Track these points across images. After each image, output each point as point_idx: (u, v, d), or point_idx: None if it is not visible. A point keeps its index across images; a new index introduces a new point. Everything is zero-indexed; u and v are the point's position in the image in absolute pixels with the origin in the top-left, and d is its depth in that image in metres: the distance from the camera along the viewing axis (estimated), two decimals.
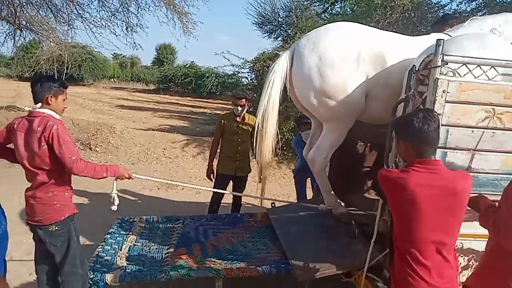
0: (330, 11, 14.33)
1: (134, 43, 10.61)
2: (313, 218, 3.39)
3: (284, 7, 19.81)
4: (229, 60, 10.87)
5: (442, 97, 2.06)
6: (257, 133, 3.06)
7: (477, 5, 8.83)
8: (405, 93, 2.32)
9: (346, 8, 13.19)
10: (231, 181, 4.29)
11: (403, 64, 2.65)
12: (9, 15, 8.98)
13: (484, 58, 2.10)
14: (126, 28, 10.25)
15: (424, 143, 1.72)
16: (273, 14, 20.08)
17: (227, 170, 4.16)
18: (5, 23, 9.38)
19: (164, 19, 10.01)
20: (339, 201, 3.20)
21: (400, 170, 1.86)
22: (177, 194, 6.11)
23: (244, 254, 3.08)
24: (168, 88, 30.04)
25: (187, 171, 7.32)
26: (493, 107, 2.10)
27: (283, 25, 19.75)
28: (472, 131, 2.12)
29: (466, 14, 8.60)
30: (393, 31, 3.21)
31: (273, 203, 3.91)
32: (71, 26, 9.78)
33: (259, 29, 20.76)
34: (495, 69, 2.12)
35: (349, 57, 2.72)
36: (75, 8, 9.59)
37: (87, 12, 9.74)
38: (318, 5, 14.99)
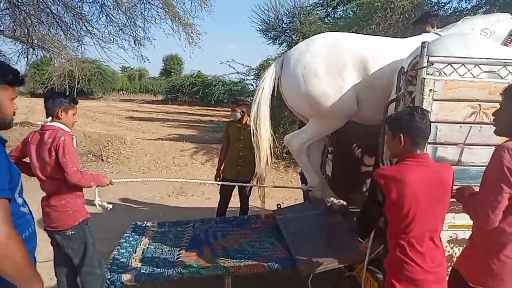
0: (333, 15, 14.49)
1: (142, 56, 10.97)
2: (316, 216, 3.52)
3: (287, 13, 20.02)
4: (234, 68, 11.10)
5: (429, 95, 2.20)
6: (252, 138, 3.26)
7: (477, 3, 8.87)
8: (396, 94, 2.45)
9: (348, 11, 13.31)
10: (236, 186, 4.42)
11: (390, 67, 2.79)
12: (22, 35, 9.35)
13: (467, 57, 2.23)
14: (134, 42, 10.59)
15: (420, 135, 1.86)
16: (277, 21, 20.30)
17: (229, 175, 4.31)
18: (19, 42, 9.77)
19: (170, 31, 10.31)
20: (323, 182, 3.40)
21: (395, 166, 1.97)
22: (187, 200, 6.29)
23: (251, 253, 3.22)
24: (176, 98, 30.47)
25: (196, 178, 7.50)
26: (479, 103, 2.22)
27: (287, 31, 19.96)
28: (460, 126, 2.25)
29: (467, 12, 8.68)
30: (394, 32, 3.34)
31: (279, 204, 4.05)
32: (80, 43, 10.15)
33: (264, 36, 20.97)
34: (479, 67, 2.24)
35: (332, 66, 2.91)
36: (84, 25, 9.97)
37: (95, 28, 10.11)
38: (321, 9, 15.18)
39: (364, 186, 3.66)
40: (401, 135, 1.88)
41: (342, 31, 9.38)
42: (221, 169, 4.46)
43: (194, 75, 28.89)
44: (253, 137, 3.25)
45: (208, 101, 23.47)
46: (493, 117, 1.84)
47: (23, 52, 10.09)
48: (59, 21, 9.84)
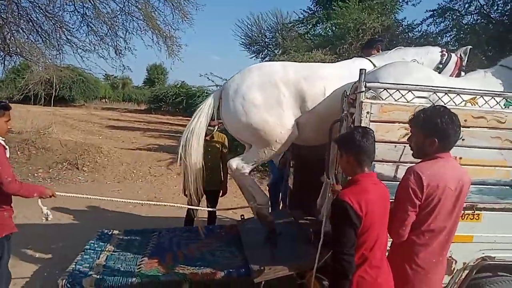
0: (313, 32, 14.96)
1: (123, 65, 11.00)
2: (276, 226, 3.68)
3: (270, 28, 20.61)
4: (213, 81, 11.29)
5: (366, 117, 2.42)
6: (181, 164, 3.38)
7: (445, 27, 9.38)
8: (340, 114, 2.68)
9: (327, 29, 13.78)
10: (205, 196, 4.57)
11: (326, 92, 3.05)
12: None
13: (400, 84, 2.49)
14: (115, 52, 10.64)
15: (363, 154, 1.99)
16: (260, 35, 20.85)
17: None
18: None
19: (150, 42, 10.41)
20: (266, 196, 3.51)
21: (353, 186, 1.97)
22: (159, 209, 6.37)
23: (211, 261, 3.36)
24: (159, 107, 30.38)
25: (171, 188, 7.59)
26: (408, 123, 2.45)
27: (270, 46, 20.48)
28: (395, 145, 2.48)
29: (435, 35, 9.18)
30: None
31: (242, 215, 4.22)
32: (60, 51, 10.14)
33: (247, 49, 21.42)
34: (412, 93, 2.49)
35: (270, 95, 3.08)
36: (64, 34, 10.00)
37: (75, 37, 10.14)
38: (301, 26, 15.67)
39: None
40: (348, 154, 2.02)
41: (319, 49, 9.79)
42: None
43: (178, 86, 28.92)
44: (183, 162, 3.34)
45: (192, 111, 23.42)
46: (408, 142, 2.09)
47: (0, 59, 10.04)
48: (39, 29, 9.86)
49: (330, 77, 3.10)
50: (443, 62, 3.43)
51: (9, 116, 2.76)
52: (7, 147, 2.69)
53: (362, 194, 1.88)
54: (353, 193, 1.89)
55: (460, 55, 3.54)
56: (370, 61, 3.38)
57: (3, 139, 2.71)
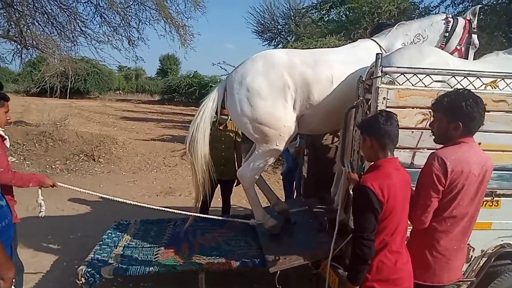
0: (327, 18, 14.70)
1: (136, 56, 11.07)
2: (290, 216, 3.68)
3: (282, 15, 20.31)
4: (226, 70, 11.23)
5: (383, 103, 2.36)
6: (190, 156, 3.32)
7: (463, 8, 9.06)
8: (356, 100, 2.62)
9: (341, 14, 13.51)
10: (219, 185, 4.59)
11: (335, 80, 2.97)
12: (16, 35, 9.48)
13: (418, 68, 2.41)
14: (128, 42, 10.71)
15: (387, 138, 1.97)
16: (272, 22, 20.59)
17: (213, 175, 4.46)
18: (13, 42, 9.89)
19: (163, 32, 10.44)
20: (268, 215, 3.39)
21: (376, 171, 1.97)
22: (174, 199, 6.45)
23: (227, 250, 3.38)
24: (172, 98, 30.59)
25: (185, 178, 7.65)
26: (429, 110, 2.38)
27: (283, 33, 20.23)
28: (412, 131, 2.41)
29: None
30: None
31: None
32: (75, 43, 10.26)
33: (259, 37, 21.20)
34: (430, 77, 2.41)
35: (275, 85, 2.98)
36: (78, 25, 10.11)
37: (89, 29, 10.24)
38: (315, 12, 15.39)
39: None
40: (371, 138, 2.00)
41: (333, 35, 9.62)
42: None
43: (190, 76, 29.02)
44: (189, 158, 3.30)
45: None
46: (430, 128, 2.02)
47: (17, 52, 10.22)
48: (54, 21, 9.98)
49: (336, 64, 3.00)
50: (449, 29, 3.27)
51: (8, 107, 2.74)
52: (6, 137, 2.68)
53: (384, 179, 1.87)
54: (375, 178, 1.89)
55: (469, 17, 3.37)
56: (375, 41, 3.28)
57: (3, 129, 2.70)
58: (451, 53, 3.26)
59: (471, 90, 2.01)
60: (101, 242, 3.57)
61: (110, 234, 3.78)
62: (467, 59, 3.32)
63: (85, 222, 5.14)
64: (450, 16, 3.35)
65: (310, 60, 3.05)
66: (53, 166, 8.13)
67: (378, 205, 1.83)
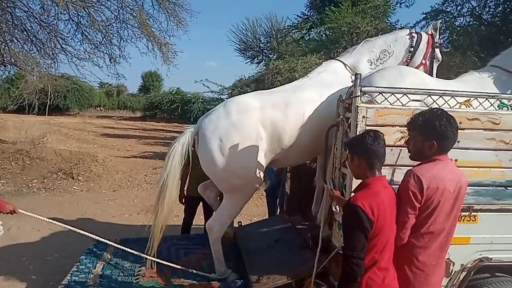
0: (307, 37, 15.07)
1: (118, 73, 11.00)
2: (274, 232, 3.67)
3: (264, 34, 20.68)
4: (208, 87, 11.30)
5: (362, 121, 2.42)
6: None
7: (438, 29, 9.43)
8: (336, 119, 2.68)
9: (321, 33, 13.87)
10: (201, 203, 4.54)
11: (306, 121, 3.03)
12: None
13: (395, 87, 2.49)
14: (109, 60, 10.64)
15: (375, 157, 2.00)
16: (255, 41, 20.92)
17: (196, 193, 4.41)
18: None
19: (145, 49, 10.42)
20: (228, 270, 3.28)
21: (365, 189, 1.99)
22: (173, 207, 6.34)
23: (209, 273, 3.29)
24: (154, 114, 30.37)
25: None
26: (406, 128, 2.46)
27: (265, 51, 20.56)
28: (391, 149, 2.47)
29: None
30: None
31: (240, 222, 4.20)
32: (55, 60, 10.13)
33: (242, 55, 21.48)
34: (407, 96, 2.50)
35: (247, 136, 2.98)
36: (59, 42, 10.00)
37: (70, 46, 10.14)
38: (296, 31, 15.77)
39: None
40: (359, 157, 2.03)
41: (313, 53, 9.83)
42: (185, 188, 4.56)
43: (173, 92, 28.98)
44: (155, 202, 3.23)
45: (187, 118, 23.60)
46: (406, 146, 2.09)
47: None
48: (34, 38, 9.85)
49: (305, 101, 3.06)
50: (414, 44, 3.36)
51: None
52: None
53: (374, 197, 1.90)
54: (365, 197, 1.91)
55: (431, 32, 3.49)
56: (340, 61, 3.36)
57: None
58: (417, 67, 3.38)
59: (445, 110, 2.08)
60: (78, 263, 3.45)
61: (88, 254, 3.66)
62: (431, 72, 3.43)
63: (62, 242, 4.98)
64: (414, 31, 3.44)
65: (281, 102, 3.06)
66: (30, 185, 7.89)
67: (369, 224, 1.85)
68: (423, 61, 3.40)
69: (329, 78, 3.24)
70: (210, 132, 3.04)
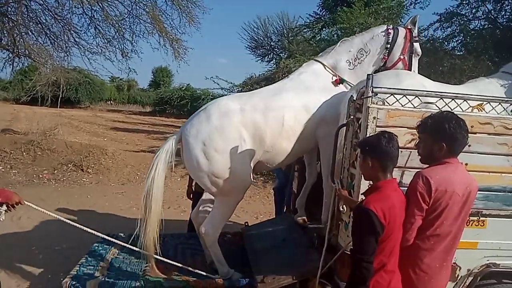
0: (319, 36, 14.98)
1: (129, 68, 11.11)
2: (280, 232, 3.68)
3: (276, 32, 20.61)
4: (218, 84, 11.32)
5: (373, 122, 2.41)
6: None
7: (451, 32, 9.30)
8: (346, 119, 2.68)
9: (332, 34, 13.79)
10: None
11: (286, 123, 3.08)
12: (9, 44, 9.45)
13: (408, 89, 2.48)
14: (121, 54, 10.75)
15: (389, 159, 2.00)
16: (266, 39, 20.87)
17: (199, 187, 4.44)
18: (4, 51, 9.85)
19: (157, 45, 10.51)
20: (231, 270, 3.28)
21: (377, 193, 1.97)
22: (163, 212, 6.38)
23: (215, 272, 3.30)
24: (164, 110, 30.53)
25: (174, 191, 7.60)
26: (416, 130, 2.44)
27: (276, 49, 20.49)
28: (401, 151, 2.45)
29: (441, 40, 9.14)
30: None
31: (246, 222, 4.23)
32: (67, 53, 10.26)
33: (252, 53, 21.46)
34: (419, 98, 2.49)
35: (230, 138, 3.01)
36: (72, 36, 10.13)
37: (83, 40, 10.27)
38: (307, 31, 15.70)
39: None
40: (372, 158, 2.01)
41: None
42: (193, 184, 4.59)
43: (183, 88, 29.05)
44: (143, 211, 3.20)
45: None
46: (416, 148, 2.08)
47: (8, 60, 10.17)
48: (48, 31, 9.99)
49: (286, 103, 3.10)
50: (390, 40, 3.35)
51: None
52: None
53: (385, 201, 1.89)
54: (377, 200, 1.89)
55: (410, 26, 3.46)
56: (319, 61, 3.38)
57: None
58: (395, 63, 3.40)
59: (455, 112, 2.07)
60: (87, 255, 3.51)
61: (97, 247, 3.72)
62: (411, 67, 3.43)
63: (71, 233, 5.04)
64: (391, 27, 3.42)
65: (261, 105, 3.10)
66: (40, 176, 8.01)
67: (380, 228, 1.84)
68: (401, 56, 3.40)
69: (309, 80, 3.28)
70: (193, 137, 3.05)
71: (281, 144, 3.10)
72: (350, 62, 3.37)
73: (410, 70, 3.40)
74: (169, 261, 3.23)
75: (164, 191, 7.13)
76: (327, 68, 3.35)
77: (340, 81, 3.30)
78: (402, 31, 3.41)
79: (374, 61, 3.42)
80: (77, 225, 3.11)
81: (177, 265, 3.24)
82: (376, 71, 3.45)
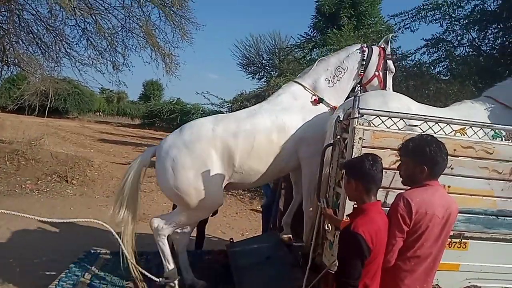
0: (309, 56, 15.25)
1: (119, 80, 11.06)
2: (265, 249, 3.66)
3: (268, 50, 20.93)
4: (209, 100, 11.37)
5: (359, 143, 2.45)
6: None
7: (438, 57, 9.57)
8: (333, 139, 2.72)
9: (323, 54, 14.05)
10: None
11: (256, 147, 3.16)
12: None
13: (393, 112, 2.54)
14: (113, 67, 10.72)
15: (372, 182, 2.02)
16: (257, 57, 21.15)
17: None
18: None
19: (148, 59, 10.52)
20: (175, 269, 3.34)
21: (363, 216, 1.96)
22: (147, 226, 6.28)
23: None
24: (153, 123, 30.37)
25: (160, 205, 7.51)
26: (398, 153, 2.49)
27: (267, 67, 20.76)
28: (386, 172, 2.49)
29: (427, 65, 9.39)
30: None
31: (232, 238, 4.20)
32: (58, 64, 10.20)
33: (244, 70, 21.70)
34: (403, 121, 2.55)
35: (198, 158, 3.10)
36: (64, 47, 10.09)
37: (74, 51, 10.22)
38: (298, 51, 15.98)
39: None
40: (356, 181, 2.03)
41: None
42: None
43: (173, 102, 29.04)
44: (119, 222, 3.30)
45: None
46: (398, 170, 2.12)
47: None
48: (39, 41, 9.94)
49: (258, 129, 3.17)
50: (365, 58, 3.47)
51: None
52: None
53: (372, 224, 1.90)
54: (364, 224, 1.90)
55: (383, 45, 3.60)
56: (298, 82, 3.46)
57: None
58: (370, 79, 3.51)
59: (439, 137, 2.12)
60: (67, 271, 3.44)
61: (78, 263, 3.65)
62: (386, 83, 3.54)
63: (52, 247, 4.93)
64: (365, 46, 3.56)
65: (233, 127, 3.18)
66: (23, 186, 7.84)
67: (368, 252, 1.85)
68: (376, 73, 3.51)
69: (286, 101, 3.36)
70: (165, 152, 3.18)
71: (251, 165, 3.16)
72: (329, 80, 3.45)
73: (385, 86, 3.52)
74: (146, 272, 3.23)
75: (150, 205, 7.08)
76: (306, 89, 3.42)
77: (319, 100, 3.37)
78: (376, 49, 3.55)
79: (352, 77, 3.51)
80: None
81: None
82: (353, 89, 3.58)
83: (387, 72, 3.54)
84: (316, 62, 3.53)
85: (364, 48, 3.49)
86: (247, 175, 3.19)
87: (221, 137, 3.12)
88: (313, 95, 3.39)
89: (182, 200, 3.17)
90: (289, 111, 3.26)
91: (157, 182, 3.34)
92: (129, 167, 3.36)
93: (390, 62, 3.56)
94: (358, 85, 3.56)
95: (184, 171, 3.07)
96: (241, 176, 3.19)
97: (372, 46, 3.58)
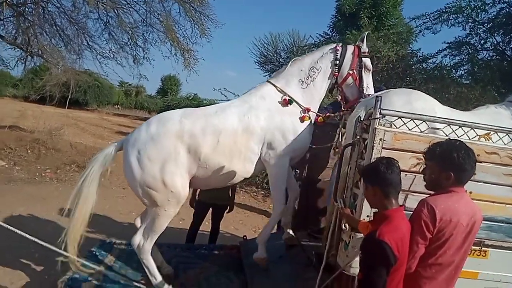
0: None
1: (140, 74, 11.24)
2: (279, 247, 3.66)
3: (286, 49, 20.79)
4: (225, 96, 11.36)
5: (379, 144, 2.42)
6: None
7: (459, 60, 9.37)
8: (352, 139, 2.69)
9: None
10: (210, 209, 4.57)
11: (221, 143, 3.10)
12: (23, 43, 9.62)
13: (416, 114, 2.49)
14: (133, 61, 10.90)
15: (389, 186, 1.97)
16: (275, 55, 21.03)
17: (206, 198, 4.45)
18: (18, 49, 10.02)
19: (168, 53, 10.65)
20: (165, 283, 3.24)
21: (388, 224, 1.90)
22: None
23: (205, 286, 3.34)
24: None
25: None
26: (422, 155, 2.45)
27: (284, 65, 20.66)
28: (406, 174, 2.45)
29: (449, 68, 9.20)
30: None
31: (245, 236, 4.21)
32: (80, 56, 10.41)
33: (261, 68, 21.63)
34: (426, 123, 2.50)
35: (164, 150, 3.01)
36: (86, 39, 10.30)
37: (96, 44, 10.44)
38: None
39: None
40: (374, 186, 1.99)
41: None
42: (197, 193, 4.60)
43: (190, 98, 29.24)
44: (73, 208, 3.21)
45: None
46: (421, 173, 2.08)
47: (21, 59, 10.33)
48: (62, 33, 10.17)
49: (224, 126, 3.13)
50: (339, 57, 3.41)
51: None
52: None
53: (397, 232, 1.85)
54: (390, 231, 1.83)
55: (359, 43, 3.54)
56: (271, 83, 3.41)
57: None
58: (345, 78, 3.45)
59: (463, 141, 2.07)
60: (84, 258, 3.48)
61: (94, 252, 3.72)
62: (362, 81, 3.46)
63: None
64: (340, 45, 3.49)
65: (201, 120, 3.12)
66: (43, 174, 8.04)
67: (394, 260, 1.80)
68: (350, 71, 3.45)
69: (255, 100, 3.32)
70: (130, 144, 3.10)
71: (215, 161, 3.10)
72: (303, 81, 3.41)
73: (361, 84, 3.45)
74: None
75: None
76: (278, 89, 3.38)
77: (288, 101, 3.33)
78: (350, 48, 3.50)
79: (327, 77, 3.46)
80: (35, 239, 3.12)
81: None
82: (330, 90, 3.57)
83: (363, 70, 3.48)
84: (290, 62, 3.48)
85: (337, 48, 3.45)
86: (211, 170, 3.12)
87: (188, 128, 3.06)
88: (283, 96, 3.35)
89: (151, 197, 3.06)
90: (255, 111, 3.22)
91: (126, 177, 3.18)
92: (93, 159, 3.25)
93: (366, 60, 3.50)
94: (336, 85, 3.52)
95: (150, 163, 2.99)
96: (205, 171, 3.12)
97: (347, 45, 3.53)
